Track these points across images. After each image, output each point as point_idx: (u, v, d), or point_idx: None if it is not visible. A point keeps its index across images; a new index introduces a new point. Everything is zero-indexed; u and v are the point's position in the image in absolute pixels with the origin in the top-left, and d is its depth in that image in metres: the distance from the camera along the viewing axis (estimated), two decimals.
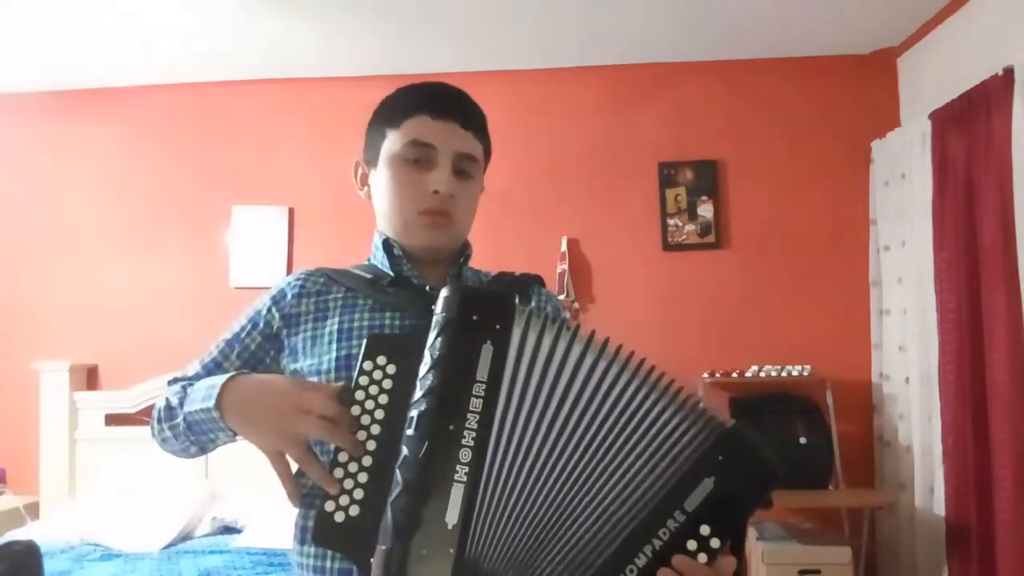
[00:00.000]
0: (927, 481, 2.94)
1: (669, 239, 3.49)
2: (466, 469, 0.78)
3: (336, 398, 0.84)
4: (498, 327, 0.82)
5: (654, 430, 0.81)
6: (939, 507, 2.82)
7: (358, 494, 0.80)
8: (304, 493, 0.97)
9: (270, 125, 3.70)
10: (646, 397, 0.82)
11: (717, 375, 3.25)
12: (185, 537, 2.89)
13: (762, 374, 3.21)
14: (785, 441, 3.03)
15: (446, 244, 1.09)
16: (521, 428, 0.81)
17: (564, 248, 3.49)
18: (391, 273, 1.08)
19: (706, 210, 3.49)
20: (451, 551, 0.76)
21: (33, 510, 3.37)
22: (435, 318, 0.83)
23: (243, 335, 1.08)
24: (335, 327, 1.02)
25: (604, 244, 3.53)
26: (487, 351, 0.82)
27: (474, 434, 0.79)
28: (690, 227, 3.49)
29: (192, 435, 0.97)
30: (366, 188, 1.15)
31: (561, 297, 3.38)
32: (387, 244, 1.10)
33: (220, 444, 0.99)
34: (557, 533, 0.80)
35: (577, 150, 3.58)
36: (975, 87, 2.65)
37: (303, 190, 3.65)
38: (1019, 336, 2.44)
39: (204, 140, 3.71)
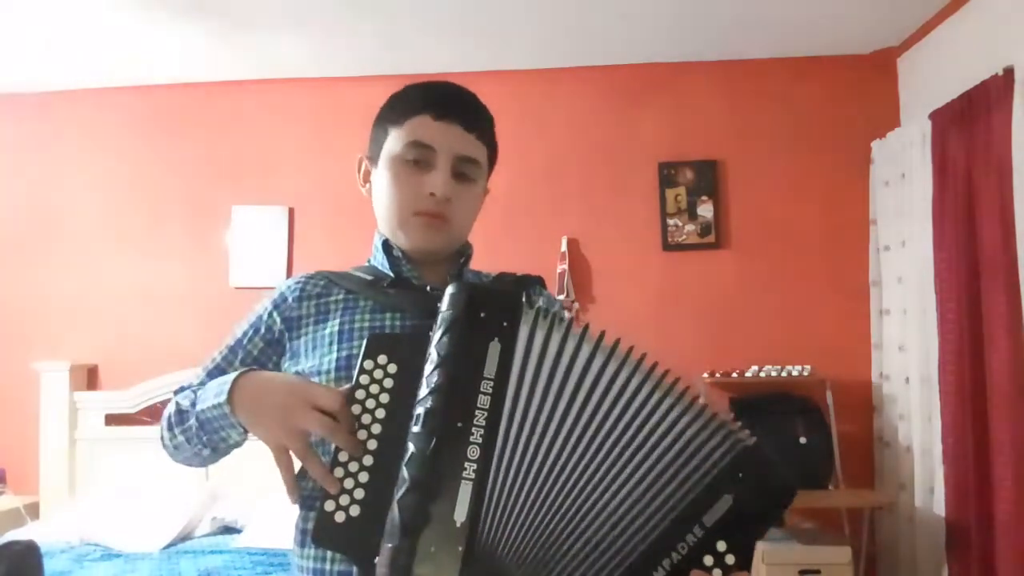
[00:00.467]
0: (927, 481, 2.94)
1: (669, 239, 3.50)
2: (474, 466, 0.78)
3: (342, 398, 0.84)
4: (505, 325, 0.82)
5: (670, 437, 0.81)
6: (939, 507, 2.82)
7: (359, 494, 0.80)
8: (305, 495, 0.97)
9: (270, 125, 3.70)
10: (660, 402, 0.82)
11: (717, 375, 3.25)
12: (185, 537, 2.89)
13: (762, 374, 3.21)
14: (785, 441, 3.03)
15: (441, 247, 1.09)
16: (530, 426, 0.80)
17: (564, 248, 3.49)
18: (391, 274, 1.08)
19: (706, 210, 3.49)
20: (459, 549, 0.76)
21: (33, 510, 3.36)
22: (440, 316, 0.83)
23: (245, 341, 1.08)
24: (336, 328, 1.02)
25: (604, 244, 3.53)
26: (495, 348, 0.81)
27: (482, 431, 0.79)
28: (690, 227, 3.49)
29: (204, 434, 0.97)
30: (368, 185, 1.15)
31: (561, 297, 3.38)
32: (387, 245, 1.09)
33: (231, 444, 0.99)
34: (569, 534, 0.79)
35: (577, 150, 3.58)
36: (975, 87, 2.65)
37: (303, 190, 3.65)
38: (1019, 336, 2.45)
39: (204, 140, 3.71)
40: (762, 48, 3.45)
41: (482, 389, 0.80)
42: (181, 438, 1.00)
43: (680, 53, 3.49)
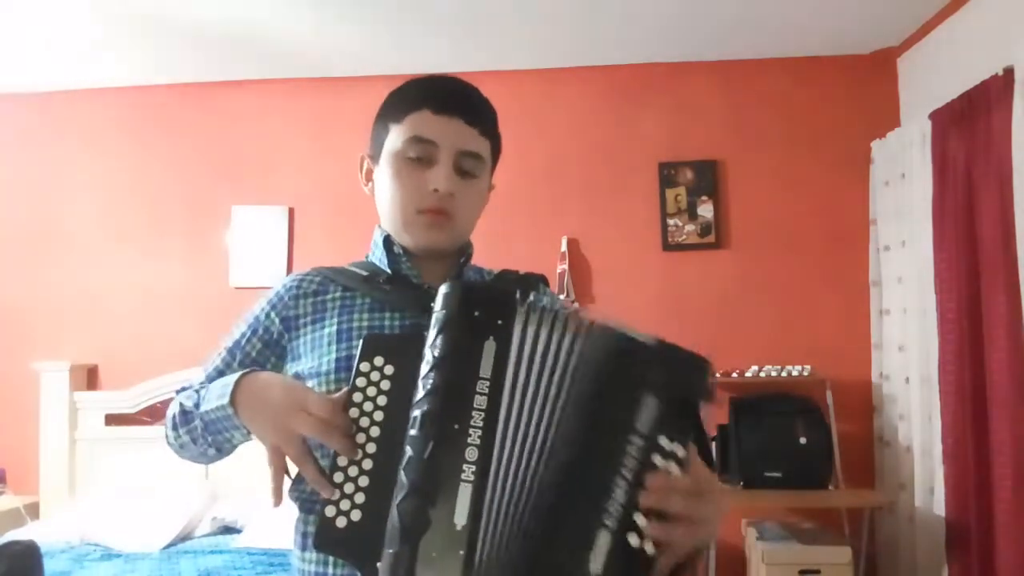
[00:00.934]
0: (927, 481, 2.94)
1: (669, 239, 3.50)
2: (473, 468, 0.77)
3: (334, 403, 0.83)
4: (500, 323, 0.80)
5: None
6: (939, 507, 2.81)
7: (359, 498, 0.79)
8: (304, 497, 0.97)
9: (270, 125, 3.70)
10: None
11: (717, 375, 3.25)
12: (185, 537, 2.89)
13: (762, 374, 3.21)
14: (785, 441, 3.03)
15: (446, 244, 1.07)
16: (527, 425, 0.80)
17: (564, 248, 3.49)
18: (388, 271, 1.07)
19: (706, 210, 3.49)
20: (461, 552, 0.75)
21: (33, 510, 3.36)
22: (435, 316, 0.81)
23: (243, 342, 1.07)
24: (334, 328, 1.01)
25: (604, 244, 3.53)
26: (490, 347, 0.80)
27: (480, 432, 0.78)
28: (690, 227, 3.49)
29: (209, 435, 0.96)
30: (370, 184, 1.13)
31: (561, 297, 3.38)
32: (387, 241, 1.08)
33: (236, 444, 0.98)
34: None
35: (577, 150, 3.58)
36: (975, 87, 2.65)
37: (303, 190, 3.65)
38: (1019, 336, 2.44)
39: (204, 140, 3.71)
40: (762, 48, 3.45)
41: (478, 389, 0.79)
42: (186, 438, 1.00)
43: (680, 53, 3.49)
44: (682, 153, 3.53)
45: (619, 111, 3.58)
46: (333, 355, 0.99)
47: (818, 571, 2.77)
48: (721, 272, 3.47)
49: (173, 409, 1.03)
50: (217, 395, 0.93)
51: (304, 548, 0.97)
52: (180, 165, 3.71)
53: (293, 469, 0.88)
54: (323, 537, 0.79)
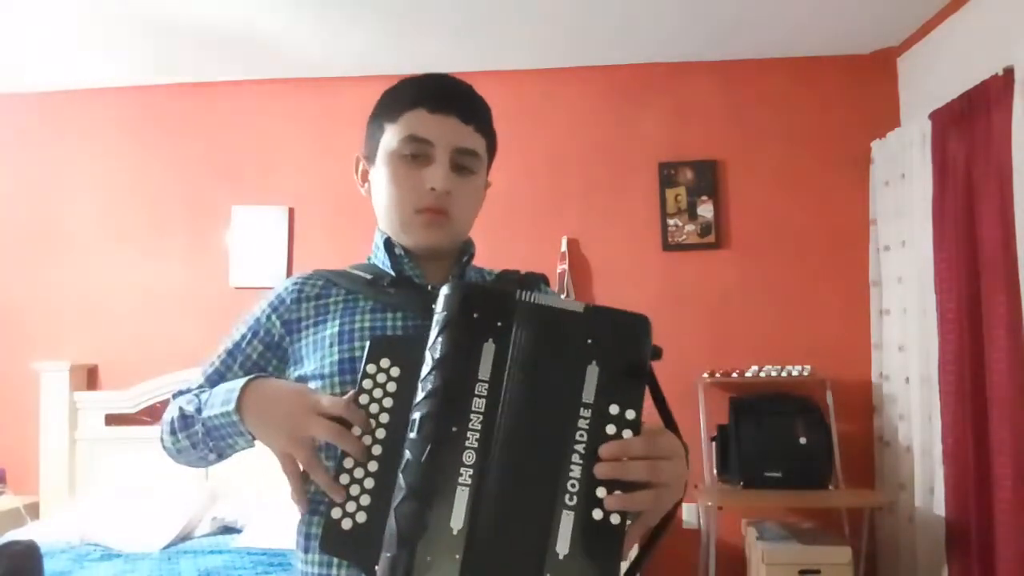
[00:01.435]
0: (927, 481, 2.94)
1: (669, 239, 3.49)
2: (471, 472, 0.76)
3: (347, 403, 0.83)
4: (500, 324, 0.80)
5: None
6: (939, 507, 2.81)
7: (365, 500, 0.79)
8: (308, 499, 0.96)
9: (270, 125, 3.70)
10: None
11: (717, 375, 3.25)
12: (185, 537, 2.89)
13: (762, 374, 3.21)
14: (785, 441, 3.03)
15: (445, 243, 1.07)
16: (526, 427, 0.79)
17: (564, 248, 3.49)
18: (392, 273, 1.06)
19: (706, 210, 3.49)
20: (457, 557, 0.74)
21: (33, 510, 3.36)
22: (435, 317, 0.81)
23: (244, 344, 1.06)
24: (336, 330, 1.00)
25: (604, 244, 3.53)
26: (489, 349, 0.79)
27: (478, 435, 0.77)
28: (690, 227, 3.49)
29: (211, 441, 0.96)
30: (367, 185, 1.13)
31: (561, 298, 3.37)
32: (388, 243, 1.08)
33: (239, 450, 0.98)
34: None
35: (577, 150, 3.58)
36: (975, 87, 2.64)
37: (303, 190, 3.65)
38: (1019, 336, 2.44)
39: (204, 140, 3.71)
40: (762, 48, 3.45)
41: (477, 392, 0.78)
42: (186, 443, 0.99)
43: (680, 53, 3.49)
44: (682, 153, 3.53)
45: (619, 111, 3.58)
46: (335, 357, 0.98)
47: (818, 571, 2.77)
48: (721, 272, 3.47)
49: (171, 413, 1.02)
50: (222, 401, 0.92)
51: (307, 550, 0.96)
52: (180, 165, 3.70)
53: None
54: (329, 539, 0.79)
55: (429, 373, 0.79)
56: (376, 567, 0.76)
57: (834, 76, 3.50)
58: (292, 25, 3.13)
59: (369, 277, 1.05)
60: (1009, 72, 2.46)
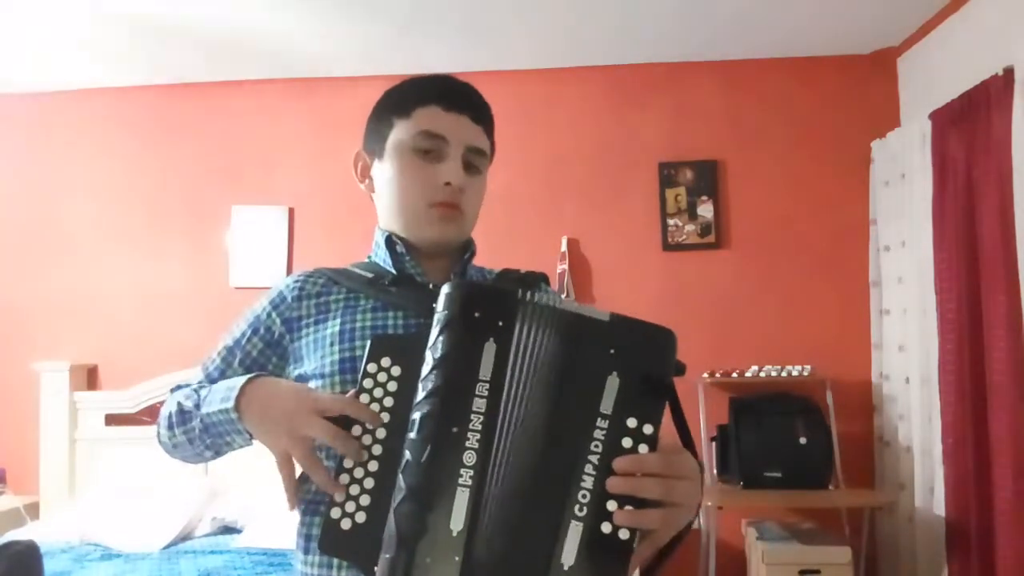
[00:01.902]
0: (927, 481, 2.94)
1: (669, 239, 3.49)
2: (471, 473, 0.75)
3: (346, 403, 0.83)
4: (501, 324, 0.79)
5: None
6: (939, 507, 2.81)
7: (364, 500, 0.78)
8: (307, 500, 0.96)
9: (270, 125, 3.70)
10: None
11: (717, 375, 3.25)
12: (185, 537, 2.89)
13: (762, 374, 3.21)
14: (785, 441, 3.03)
15: (455, 238, 1.07)
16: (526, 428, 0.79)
17: (564, 248, 3.49)
18: (393, 271, 1.06)
19: (706, 210, 3.49)
20: (456, 559, 0.74)
21: (33, 510, 3.36)
22: (436, 316, 0.81)
23: (244, 341, 1.05)
24: (336, 328, 1.00)
25: (604, 244, 3.53)
26: (490, 349, 0.78)
27: (478, 436, 0.76)
28: (690, 227, 3.49)
29: (208, 438, 0.95)
30: (367, 180, 1.12)
31: (562, 296, 3.38)
32: (389, 240, 1.07)
33: (235, 447, 0.98)
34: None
35: (577, 150, 3.58)
36: (975, 87, 2.65)
37: (303, 190, 3.65)
38: (1019, 336, 2.44)
39: (204, 140, 3.71)
40: (762, 48, 3.45)
41: (477, 392, 0.77)
42: (182, 438, 0.99)
43: (680, 53, 3.49)
44: (682, 153, 3.53)
45: (619, 111, 3.58)
46: (336, 356, 0.98)
47: (818, 571, 2.77)
48: (721, 272, 3.47)
49: (169, 407, 1.02)
50: (220, 398, 0.92)
51: (307, 551, 0.96)
52: (180, 165, 3.70)
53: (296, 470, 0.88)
54: (328, 539, 0.78)
55: (430, 373, 0.78)
56: (375, 568, 0.76)
57: (834, 76, 3.50)
58: (292, 25, 3.13)
59: (370, 276, 1.05)
60: (1009, 72, 2.46)
